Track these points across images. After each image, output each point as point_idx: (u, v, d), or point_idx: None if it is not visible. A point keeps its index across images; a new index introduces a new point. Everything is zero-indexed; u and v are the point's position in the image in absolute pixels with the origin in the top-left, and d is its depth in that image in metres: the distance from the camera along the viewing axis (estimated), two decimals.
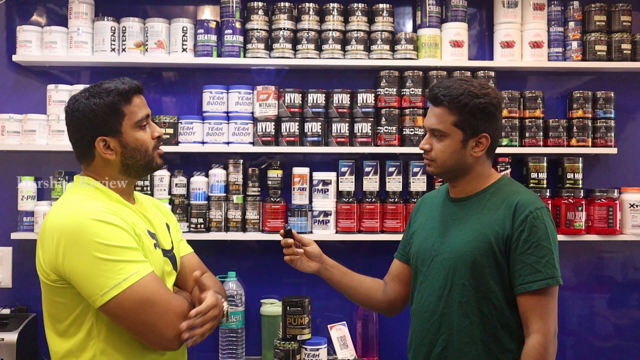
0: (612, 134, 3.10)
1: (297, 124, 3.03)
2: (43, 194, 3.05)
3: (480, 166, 1.92)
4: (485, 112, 1.85)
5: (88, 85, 1.79)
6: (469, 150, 1.87)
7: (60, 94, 3.00)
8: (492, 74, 3.07)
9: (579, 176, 3.06)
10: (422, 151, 1.96)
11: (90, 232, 1.58)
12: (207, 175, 3.04)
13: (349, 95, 3.05)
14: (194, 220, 2.98)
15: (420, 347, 1.93)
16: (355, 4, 3.07)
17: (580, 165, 3.07)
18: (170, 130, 3.00)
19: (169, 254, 1.84)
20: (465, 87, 1.85)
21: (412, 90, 3.05)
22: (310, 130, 3.03)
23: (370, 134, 3.03)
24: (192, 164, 3.10)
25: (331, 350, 2.92)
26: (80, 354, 1.66)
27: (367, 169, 3.04)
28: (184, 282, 1.91)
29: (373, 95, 3.05)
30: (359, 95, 3.05)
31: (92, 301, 1.59)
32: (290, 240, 2.05)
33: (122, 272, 1.57)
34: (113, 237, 1.60)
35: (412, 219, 2.12)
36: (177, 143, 3.01)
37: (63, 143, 2.97)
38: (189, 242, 2.07)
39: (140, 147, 1.75)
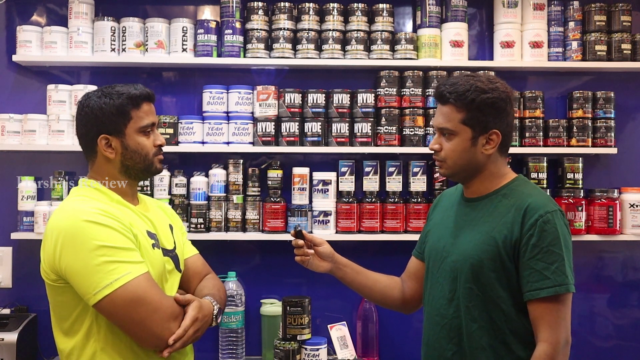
0: (612, 134, 3.10)
1: (297, 124, 3.03)
2: (43, 194, 3.05)
3: (493, 164, 1.85)
4: (494, 108, 1.78)
5: (103, 86, 1.87)
6: (480, 148, 1.81)
7: (60, 94, 3.00)
8: (492, 74, 3.06)
9: (579, 176, 3.06)
10: (424, 151, 1.94)
11: (85, 233, 1.65)
12: (207, 175, 3.04)
13: (349, 95, 3.05)
14: (194, 220, 2.98)
15: (431, 351, 1.90)
16: (355, 4, 3.07)
17: (580, 165, 3.07)
18: (170, 130, 3.00)
19: (170, 253, 1.88)
20: (472, 83, 1.79)
21: (412, 90, 3.05)
22: (310, 130, 3.03)
23: (370, 134, 3.03)
24: (192, 164, 3.10)
25: (331, 350, 2.92)
26: (81, 352, 1.72)
27: (367, 169, 3.04)
28: (187, 284, 1.96)
29: (373, 95, 3.05)
30: (359, 95, 3.05)
31: (87, 299, 1.65)
32: (301, 242, 2.04)
33: (115, 272, 1.63)
34: (106, 238, 1.65)
35: (429, 217, 2.09)
36: (177, 143, 3.01)
37: (63, 143, 2.97)
38: (190, 242, 2.10)
39: (140, 151, 1.82)
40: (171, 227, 1.97)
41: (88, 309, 1.69)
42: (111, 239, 1.66)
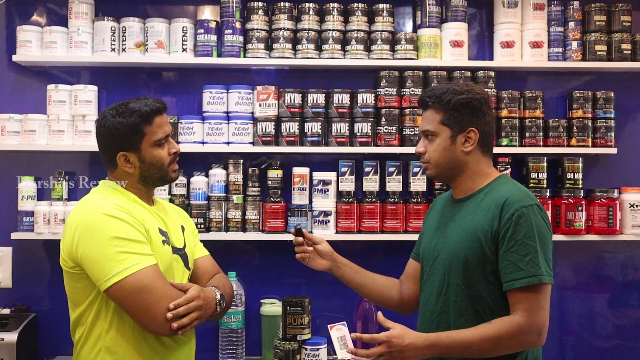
0: (612, 134, 3.10)
1: (297, 124, 3.03)
2: (43, 194, 3.05)
3: (475, 163, 1.94)
4: (469, 107, 1.91)
5: (116, 103, 1.98)
6: (459, 146, 1.92)
7: (60, 94, 3.00)
8: (492, 74, 3.07)
9: (579, 176, 3.06)
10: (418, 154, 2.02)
11: (100, 225, 1.80)
12: (207, 175, 3.05)
13: (349, 95, 3.05)
14: (194, 220, 2.97)
15: None
16: (355, 4, 3.07)
17: (580, 165, 3.07)
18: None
19: (180, 251, 2.01)
20: (448, 87, 1.94)
21: (412, 90, 3.05)
22: (310, 130, 3.03)
23: (370, 134, 3.03)
24: (192, 164, 3.09)
25: (331, 350, 2.91)
26: (90, 333, 1.87)
27: (367, 169, 3.04)
28: (197, 283, 2.04)
29: (373, 95, 3.05)
30: (359, 95, 3.05)
31: (99, 285, 1.79)
32: (301, 239, 2.14)
33: (125, 262, 1.77)
34: (120, 231, 1.79)
35: (425, 220, 2.19)
36: (177, 143, 3.01)
37: (63, 143, 2.97)
38: (202, 244, 2.20)
39: (156, 162, 1.96)
40: (183, 228, 2.09)
41: (99, 294, 1.83)
42: (124, 231, 1.80)
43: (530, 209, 1.80)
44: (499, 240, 1.81)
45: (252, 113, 3.04)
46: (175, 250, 1.98)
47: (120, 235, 1.78)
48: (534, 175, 3.04)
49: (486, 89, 2.89)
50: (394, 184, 3.04)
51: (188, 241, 2.09)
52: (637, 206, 3.04)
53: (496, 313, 1.82)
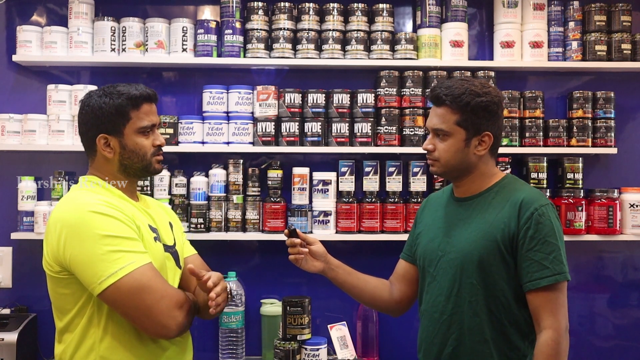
0: (612, 134, 3.10)
1: (297, 124, 3.03)
2: (43, 194, 3.05)
3: (484, 165, 1.93)
4: (487, 111, 1.87)
5: (106, 85, 1.88)
6: (472, 149, 1.89)
7: (60, 94, 3.00)
8: (492, 74, 3.07)
9: (579, 176, 3.06)
10: (424, 151, 1.98)
11: (89, 223, 1.66)
12: (207, 175, 3.05)
13: (349, 95, 3.05)
14: (194, 220, 2.98)
15: (430, 347, 1.94)
16: (355, 4, 3.07)
17: (580, 165, 3.07)
18: (170, 130, 3.00)
19: (171, 249, 1.90)
20: (466, 87, 1.87)
21: (412, 90, 3.05)
22: (310, 130, 3.03)
23: (370, 134, 3.03)
24: (192, 164, 3.10)
25: (331, 350, 2.92)
26: (80, 344, 1.73)
27: (367, 169, 3.04)
28: (187, 283, 1.96)
29: (373, 95, 3.05)
30: (359, 95, 3.05)
31: (91, 289, 1.66)
32: (296, 240, 2.08)
33: (119, 262, 1.64)
34: (111, 228, 1.67)
35: (417, 220, 2.14)
36: (177, 143, 3.01)
37: (63, 143, 2.97)
38: (189, 242, 2.11)
39: (138, 151, 1.83)
40: (171, 225, 1.99)
41: (90, 301, 1.71)
42: (115, 228, 1.67)
43: (547, 207, 1.82)
44: (518, 240, 1.80)
45: (252, 113, 3.04)
46: (167, 249, 1.87)
47: (111, 233, 1.65)
48: (534, 175, 3.04)
49: None
50: (394, 184, 3.04)
51: (177, 238, 1.98)
52: (637, 206, 3.04)
53: (510, 312, 1.82)
